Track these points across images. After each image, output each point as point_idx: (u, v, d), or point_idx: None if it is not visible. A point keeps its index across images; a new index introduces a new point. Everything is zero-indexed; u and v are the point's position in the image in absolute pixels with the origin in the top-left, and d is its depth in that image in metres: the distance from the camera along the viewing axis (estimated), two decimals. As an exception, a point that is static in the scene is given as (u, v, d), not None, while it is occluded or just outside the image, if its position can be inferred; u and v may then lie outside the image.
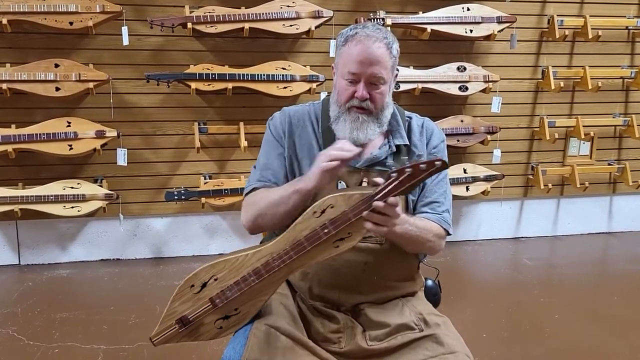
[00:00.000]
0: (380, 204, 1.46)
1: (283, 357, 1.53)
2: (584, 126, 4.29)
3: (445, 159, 1.61)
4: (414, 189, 1.70)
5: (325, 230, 1.50)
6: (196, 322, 1.60)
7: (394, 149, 1.76)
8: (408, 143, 1.78)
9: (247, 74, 3.69)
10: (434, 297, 1.93)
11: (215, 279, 1.58)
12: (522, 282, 3.77)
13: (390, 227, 1.51)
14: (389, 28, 1.74)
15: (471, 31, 3.93)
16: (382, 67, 1.66)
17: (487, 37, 3.99)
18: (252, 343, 1.54)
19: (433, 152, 1.80)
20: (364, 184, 1.66)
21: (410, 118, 1.84)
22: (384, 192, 1.46)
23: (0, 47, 3.59)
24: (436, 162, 1.45)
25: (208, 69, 3.67)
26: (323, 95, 3.73)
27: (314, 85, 3.76)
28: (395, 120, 1.79)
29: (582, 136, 4.30)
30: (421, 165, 1.44)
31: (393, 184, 1.46)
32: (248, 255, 1.58)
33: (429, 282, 1.95)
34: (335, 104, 1.74)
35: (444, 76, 3.96)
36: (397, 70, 1.77)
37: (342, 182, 1.70)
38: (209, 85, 3.64)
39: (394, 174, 1.45)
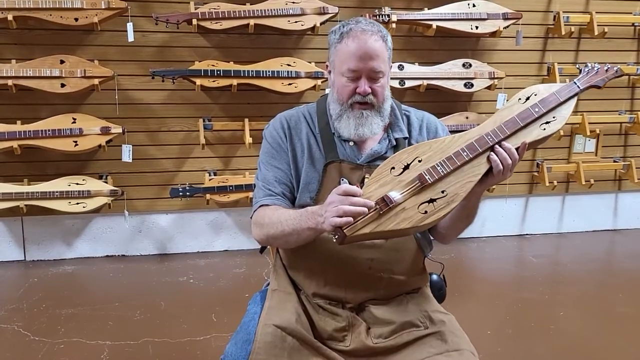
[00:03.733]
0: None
1: (290, 358, 1.53)
2: (589, 123, 4.28)
3: None
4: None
5: (536, 109, 1.61)
6: (398, 205, 1.49)
7: (394, 143, 1.75)
8: (408, 136, 1.77)
9: (252, 71, 3.69)
10: (439, 291, 1.91)
11: (420, 160, 1.54)
12: (527, 279, 3.76)
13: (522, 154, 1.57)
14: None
15: (477, 28, 3.92)
16: (381, 60, 1.65)
17: (493, 34, 3.98)
18: (259, 344, 1.53)
19: None
20: (366, 181, 1.65)
21: (409, 112, 1.83)
22: (586, 79, 1.68)
23: (6, 44, 3.60)
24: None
25: (213, 65, 3.67)
26: (328, 92, 3.72)
27: (319, 82, 3.76)
28: (393, 114, 1.78)
29: (588, 133, 4.29)
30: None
31: (592, 74, 1.69)
32: (455, 137, 1.58)
33: (434, 277, 1.93)
34: (336, 102, 1.73)
35: (449, 73, 3.95)
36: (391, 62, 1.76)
37: (345, 180, 1.69)
38: (214, 81, 3.64)
39: (594, 68, 1.70)
